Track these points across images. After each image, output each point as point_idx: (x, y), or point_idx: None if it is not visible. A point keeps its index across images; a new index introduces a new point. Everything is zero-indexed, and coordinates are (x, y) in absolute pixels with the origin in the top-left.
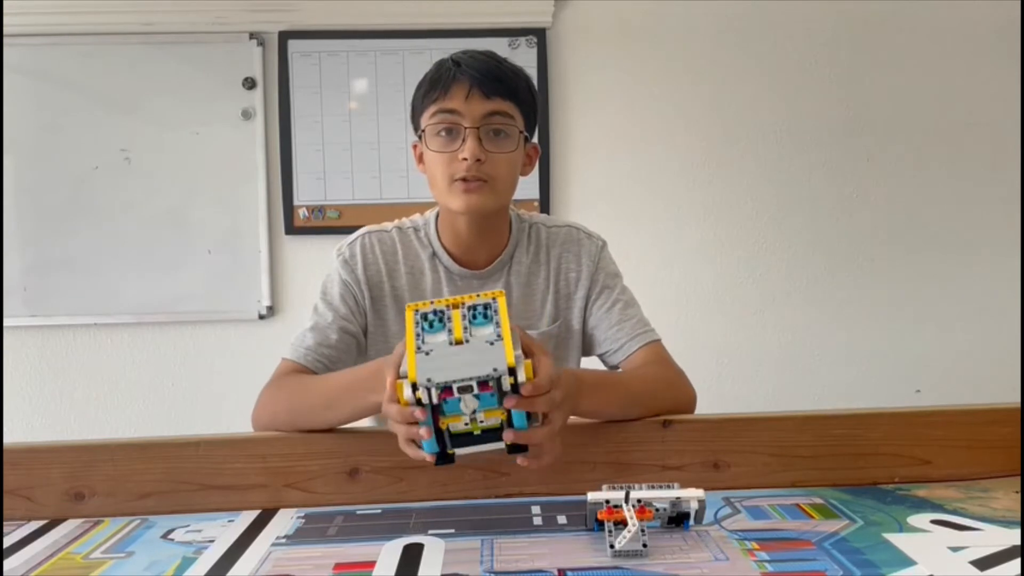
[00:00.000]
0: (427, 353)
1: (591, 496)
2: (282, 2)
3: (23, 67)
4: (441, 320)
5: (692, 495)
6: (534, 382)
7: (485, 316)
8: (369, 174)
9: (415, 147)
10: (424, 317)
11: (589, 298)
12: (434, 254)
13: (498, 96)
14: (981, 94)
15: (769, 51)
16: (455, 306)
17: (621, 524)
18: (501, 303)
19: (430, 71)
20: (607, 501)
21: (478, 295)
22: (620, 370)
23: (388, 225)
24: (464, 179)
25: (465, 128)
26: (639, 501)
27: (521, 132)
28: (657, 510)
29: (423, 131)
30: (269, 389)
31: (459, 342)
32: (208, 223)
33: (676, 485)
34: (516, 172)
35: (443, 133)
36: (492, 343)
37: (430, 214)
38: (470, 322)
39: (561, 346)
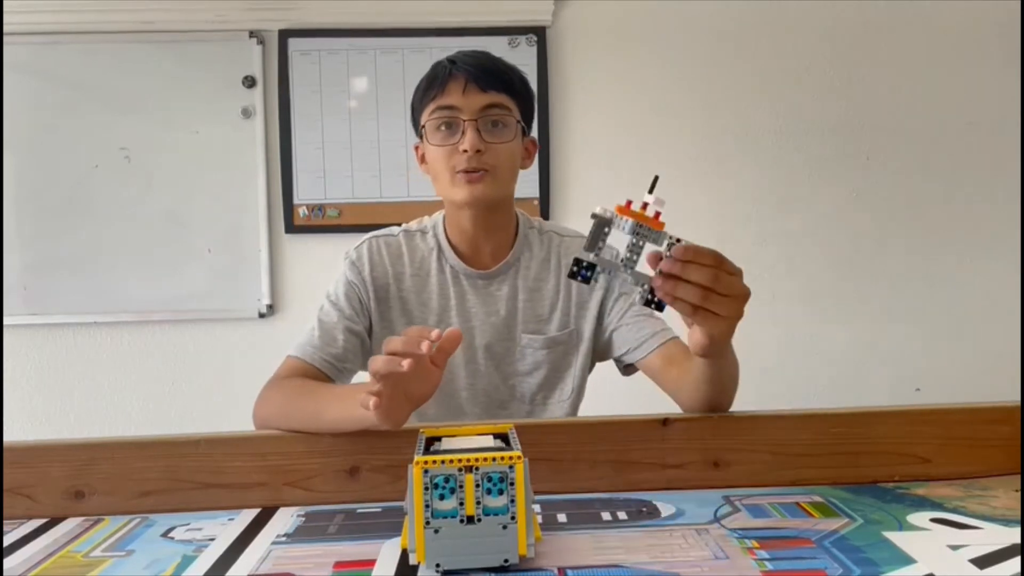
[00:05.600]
0: (436, 531)
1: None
2: (282, 0)
3: (23, 66)
4: (453, 491)
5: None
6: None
7: (500, 490)
8: (369, 173)
9: (417, 148)
10: (434, 483)
11: (604, 304)
12: (441, 252)
13: (493, 89)
14: (981, 94)
15: (768, 50)
16: (469, 468)
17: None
18: (518, 471)
19: (427, 72)
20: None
21: (495, 458)
22: (639, 370)
23: (395, 229)
24: (466, 170)
25: (464, 121)
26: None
27: (518, 122)
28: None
29: (424, 128)
30: (270, 389)
31: (471, 518)
32: (208, 222)
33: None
34: (516, 162)
35: (443, 128)
36: (505, 527)
37: (438, 215)
38: (484, 493)
39: (570, 352)
